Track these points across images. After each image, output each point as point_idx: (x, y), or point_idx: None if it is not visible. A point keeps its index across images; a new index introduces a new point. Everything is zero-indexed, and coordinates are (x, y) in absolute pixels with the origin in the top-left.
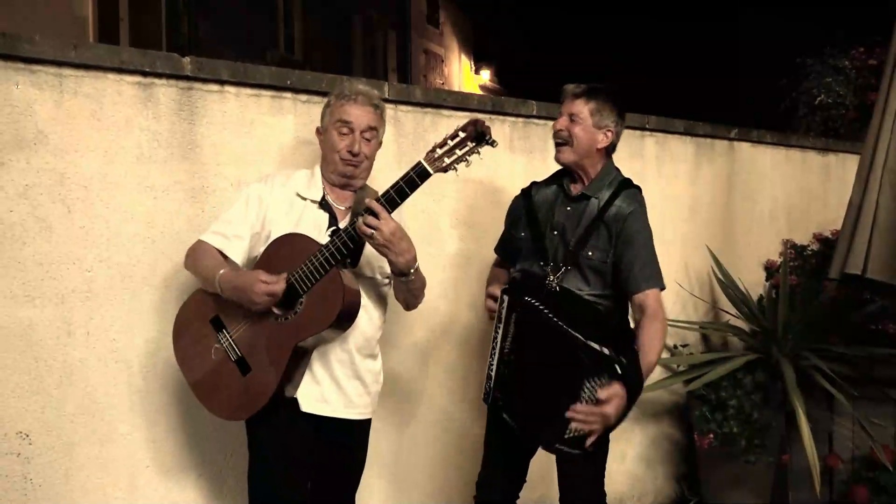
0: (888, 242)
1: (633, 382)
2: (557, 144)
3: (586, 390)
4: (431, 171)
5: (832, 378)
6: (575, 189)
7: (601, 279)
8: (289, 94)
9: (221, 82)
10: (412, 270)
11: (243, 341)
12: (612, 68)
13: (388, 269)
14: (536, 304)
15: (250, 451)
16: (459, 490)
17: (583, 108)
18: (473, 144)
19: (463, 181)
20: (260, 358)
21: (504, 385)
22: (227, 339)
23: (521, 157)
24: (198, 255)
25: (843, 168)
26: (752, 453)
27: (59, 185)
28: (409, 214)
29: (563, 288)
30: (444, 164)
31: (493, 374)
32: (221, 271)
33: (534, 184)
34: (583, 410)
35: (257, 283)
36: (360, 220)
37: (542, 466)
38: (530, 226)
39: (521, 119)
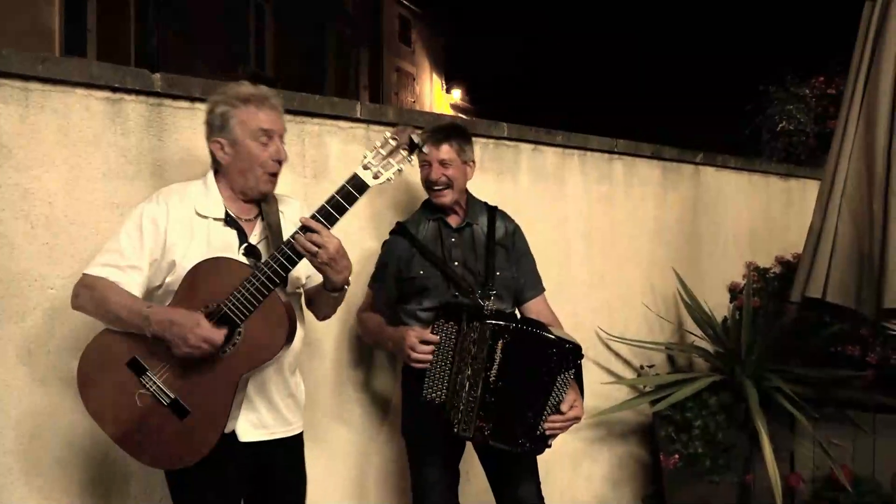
0: (847, 267)
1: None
2: (437, 190)
3: (557, 384)
4: (370, 184)
5: (793, 399)
6: (454, 221)
7: (511, 295)
8: None
9: (192, 99)
10: (346, 285)
11: (173, 382)
12: (580, 89)
13: (303, 281)
14: (519, 325)
15: (176, 499)
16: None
17: (449, 151)
18: (406, 152)
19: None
20: (198, 398)
21: (491, 413)
22: (154, 383)
23: (491, 177)
24: (100, 292)
25: (804, 193)
26: (716, 473)
27: (22, 200)
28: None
29: (500, 310)
30: (381, 175)
31: (473, 406)
32: (146, 307)
33: (405, 224)
34: (559, 419)
35: (197, 325)
36: (300, 237)
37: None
38: (431, 262)
39: (492, 140)
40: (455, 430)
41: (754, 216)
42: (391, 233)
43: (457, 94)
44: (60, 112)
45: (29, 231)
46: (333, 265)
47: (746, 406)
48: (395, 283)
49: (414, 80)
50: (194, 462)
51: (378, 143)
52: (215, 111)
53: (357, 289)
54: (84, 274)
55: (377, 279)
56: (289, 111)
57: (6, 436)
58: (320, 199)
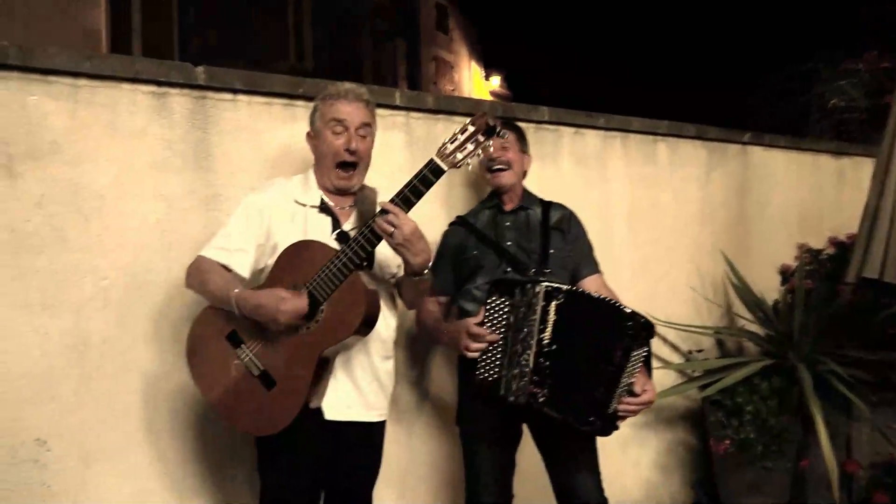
0: None
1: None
2: (497, 170)
3: (632, 361)
4: (445, 168)
5: (850, 383)
6: (509, 206)
7: (568, 274)
8: (301, 102)
9: (234, 91)
10: (426, 271)
11: (264, 355)
12: (621, 74)
13: (394, 270)
14: (576, 288)
15: (262, 467)
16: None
17: (510, 137)
18: (484, 138)
19: (476, 187)
20: (284, 371)
21: (545, 378)
22: (248, 355)
23: (533, 162)
24: (203, 273)
25: (857, 171)
26: (769, 459)
27: (74, 194)
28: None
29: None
30: (456, 160)
31: (526, 370)
32: (236, 290)
33: (461, 216)
34: (634, 402)
35: (281, 300)
36: (379, 219)
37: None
38: (484, 243)
39: (532, 125)
40: (503, 393)
41: (804, 196)
42: (449, 225)
43: (496, 82)
44: (108, 107)
45: (81, 224)
46: (409, 246)
47: (800, 390)
48: (451, 269)
49: (452, 68)
50: (276, 431)
51: (457, 129)
52: (313, 109)
53: None
54: (197, 256)
55: (434, 271)
56: None
57: (77, 417)
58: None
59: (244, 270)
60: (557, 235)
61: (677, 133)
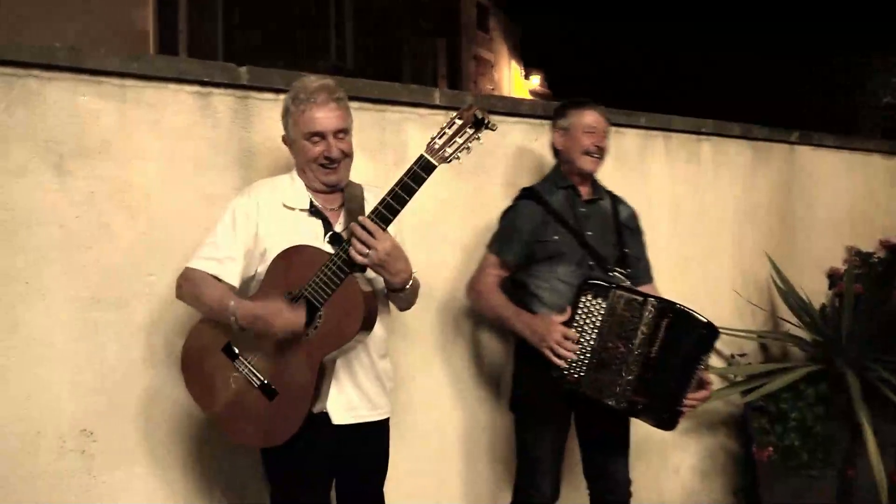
0: None
1: None
2: (596, 157)
3: (701, 364)
4: (436, 163)
5: None
6: (585, 192)
7: (629, 274)
8: None
9: (276, 90)
10: (407, 287)
11: (263, 366)
12: (662, 73)
13: None
14: (678, 304)
15: (271, 477)
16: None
17: (607, 125)
18: (473, 131)
19: (515, 186)
20: (285, 380)
21: (648, 388)
22: (246, 367)
23: None
24: (195, 286)
25: None
26: (814, 467)
27: (122, 192)
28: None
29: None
30: (446, 154)
31: (631, 379)
32: (232, 302)
33: (533, 190)
34: (698, 397)
35: (279, 315)
36: (351, 248)
37: None
38: (567, 228)
39: None
40: (611, 403)
41: (854, 197)
42: (519, 198)
43: (536, 81)
44: (154, 107)
45: (128, 221)
46: (387, 267)
47: (848, 397)
48: (524, 246)
49: (492, 67)
50: (283, 441)
51: (444, 124)
52: (284, 111)
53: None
54: (186, 267)
55: (504, 242)
56: (369, 100)
57: (123, 409)
58: None
59: (234, 279)
60: (628, 234)
61: (721, 132)
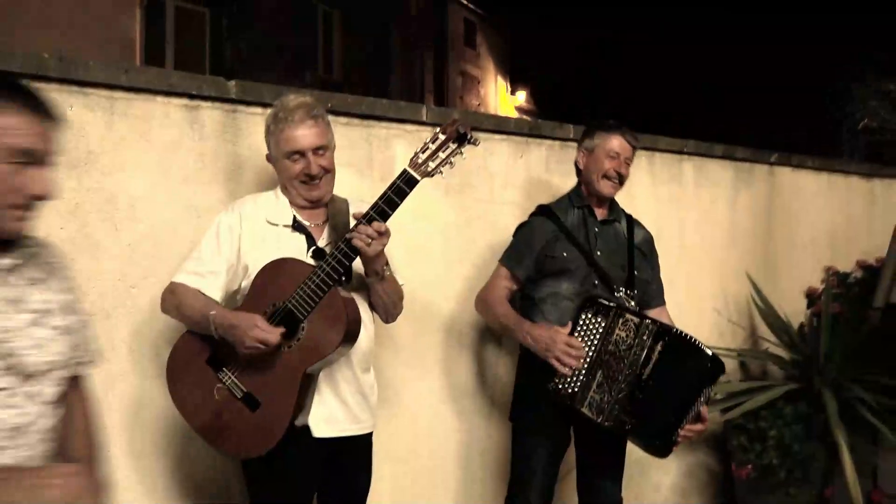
0: None
1: None
2: (615, 182)
3: (702, 396)
4: (418, 178)
5: (877, 410)
6: (601, 213)
7: (640, 299)
8: (329, 117)
9: (264, 105)
10: (384, 268)
11: (247, 377)
12: (647, 92)
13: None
14: (677, 330)
15: (252, 490)
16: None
17: (632, 152)
18: (456, 146)
19: (499, 203)
20: (268, 391)
21: (637, 409)
22: (229, 378)
23: (557, 179)
24: (178, 298)
25: (888, 193)
26: (792, 485)
27: (107, 203)
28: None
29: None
30: (429, 169)
31: (621, 398)
32: (213, 311)
33: (549, 208)
34: (694, 429)
35: (254, 327)
36: (356, 235)
37: None
38: (576, 247)
39: (557, 142)
40: (598, 420)
41: (833, 218)
42: (535, 214)
43: (521, 97)
44: (142, 119)
45: (113, 233)
46: (378, 259)
47: (825, 417)
48: (535, 261)
49: (479, 82)
50: (264, 452)
51: (428, 139)
52: (266, 130)
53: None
54: (171, 281)
55: (515, 257)
56: (356, 115)
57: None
58: None
59: (216, 294)
60: (640, 257)
61: (704, 152)
